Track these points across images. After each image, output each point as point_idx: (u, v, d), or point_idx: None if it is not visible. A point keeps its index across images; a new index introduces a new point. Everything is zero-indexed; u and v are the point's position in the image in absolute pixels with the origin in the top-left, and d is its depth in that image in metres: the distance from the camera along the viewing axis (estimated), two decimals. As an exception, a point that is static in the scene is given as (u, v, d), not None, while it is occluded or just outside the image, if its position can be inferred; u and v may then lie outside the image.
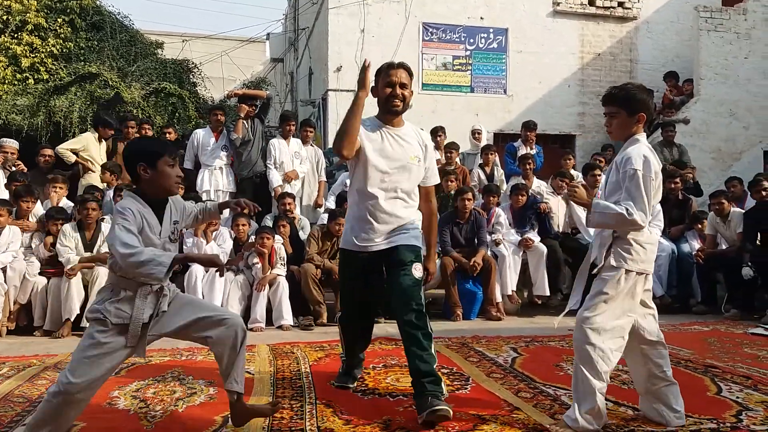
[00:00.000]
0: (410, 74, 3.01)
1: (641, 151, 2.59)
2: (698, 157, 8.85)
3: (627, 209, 2.51)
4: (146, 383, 3.33)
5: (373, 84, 2.99)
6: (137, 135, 6.79)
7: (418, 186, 3.10)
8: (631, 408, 2.86)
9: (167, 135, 7.35)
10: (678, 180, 6.80)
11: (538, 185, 7.02)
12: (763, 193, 5.88)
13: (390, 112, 2.98)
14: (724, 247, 6.18)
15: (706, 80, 9.61)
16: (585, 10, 10.46)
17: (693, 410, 2.79)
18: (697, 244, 6.34)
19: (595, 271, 2.68)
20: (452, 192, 6.37)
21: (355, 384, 3.30)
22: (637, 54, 10.77)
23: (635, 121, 2.66)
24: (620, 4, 10.62)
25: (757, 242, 5.80)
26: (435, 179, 3.17)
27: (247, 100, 7.00)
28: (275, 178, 6.71)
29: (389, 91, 2.94)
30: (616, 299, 2.58)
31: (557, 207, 6.67)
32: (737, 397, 3.08)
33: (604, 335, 2.54)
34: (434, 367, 2.78)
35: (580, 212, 6.24)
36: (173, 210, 2.49)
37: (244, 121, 6.79)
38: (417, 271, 2.89)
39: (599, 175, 6.32)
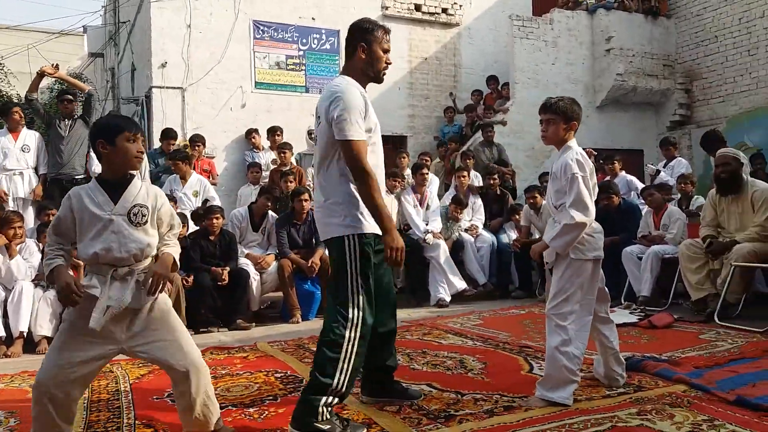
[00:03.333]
0: None
1: (573, 155, 2.85)
2: (514, 155, 9.62)
3: (571, 217, 2.76)
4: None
5: (363, 44, 2.83)
6: None
7: None
8: (455, 392, 3.02)
9: None
10: (496, 176, 7.34)
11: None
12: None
13: (378, 80, 2.90)
14: (537, 236, 6.78)
15: (520, 84, 10.47)
16: (412, 15, 10.90)
17: (509, 389, 3.01)
18: (513, 235, 6.90)
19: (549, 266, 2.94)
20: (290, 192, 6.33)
21: None
22: (461, 59, 11.43)
23: (569, 128, 2.92)
24: (444, 11, 11.20)
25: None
26: None
27: (64, 95, 6.43)
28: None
29: (385, 58, 2.86)
30: (582, 286, 2.84)
31: (390, 205, 6.88)
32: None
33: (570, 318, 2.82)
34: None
35: (410, 209, 6.52)
36: (142, 194, 2.36)
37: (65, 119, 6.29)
38: None
39: (426, 174, 6.69)
